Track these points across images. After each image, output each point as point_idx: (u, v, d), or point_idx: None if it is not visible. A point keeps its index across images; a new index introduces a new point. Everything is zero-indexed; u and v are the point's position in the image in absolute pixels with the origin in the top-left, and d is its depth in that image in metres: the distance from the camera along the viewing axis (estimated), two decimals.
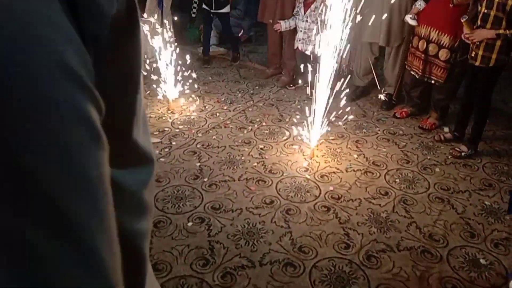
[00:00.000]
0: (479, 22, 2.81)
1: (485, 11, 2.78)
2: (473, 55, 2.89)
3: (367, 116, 3.73)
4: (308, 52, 3.76)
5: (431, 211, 2.56)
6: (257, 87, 4.28)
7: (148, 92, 3.92)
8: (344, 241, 2.30)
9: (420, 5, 3.31)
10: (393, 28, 3.56)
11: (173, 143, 3.22)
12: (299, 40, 3.93)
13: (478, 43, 2.83)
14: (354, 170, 2.94)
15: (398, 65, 3.75)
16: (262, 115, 3.69)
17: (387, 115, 3.75)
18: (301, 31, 3.91)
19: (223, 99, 4.00)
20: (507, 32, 2.68)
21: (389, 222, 2.46)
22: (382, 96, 3.82)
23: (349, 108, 3.80)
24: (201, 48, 4.86)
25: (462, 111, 3.23)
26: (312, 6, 3.81)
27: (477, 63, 2.87)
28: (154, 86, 3.76)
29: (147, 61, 3.87)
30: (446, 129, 3.45)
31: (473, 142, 3.11)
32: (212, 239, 2.29)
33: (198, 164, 2.96)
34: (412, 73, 3.42)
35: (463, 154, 3.09)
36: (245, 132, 3.41)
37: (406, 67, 3.54)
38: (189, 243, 2.25)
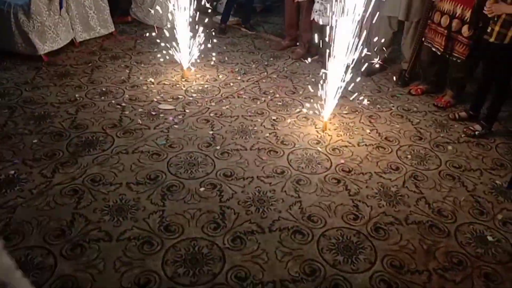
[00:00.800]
0: None
1: None
2: (489, 30, 2.83)
3: (381, 92, 3.70)
4: (323, 23, 3.69)
5: (441, 188, 2.57)
6: (271, 59, 4.25)
7: (163, 59, 3.92)
8: (353, 212, 2.33)
9: None
10: (414, 3, 3.49)
11: (187, 110, 3.23)
12: (316, 12, 3.86)
13: (496, 19, 2.76)
14: (366, 145, 2.94)
15: (414, 41, 3.68)
16: (275, 87, 3.68)
17: (402, 91, 3.72)
18: (317, 2, 3.83)
19: (237, 69, 3.98)
20: None
21: (398, 196, 2.48)
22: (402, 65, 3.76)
23: (364, 83, 3.81)
24: (218, 17, 4.81)
25: (479, 90, 3.19)
26: None
27: (491, 39, 2.81)
28: (170, 52, 3.75)
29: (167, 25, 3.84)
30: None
31: (488, 121, 3.08)
32: (223, 204, 2.33)
33: (211, 132, 2.98)
34: (434, 49, 3.35)
35: (476, 133, 3.07)
36: (258, 103, 3.41)
37: (426, 43, 3.47)
38: (201, 207, 2.30)
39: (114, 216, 2.20)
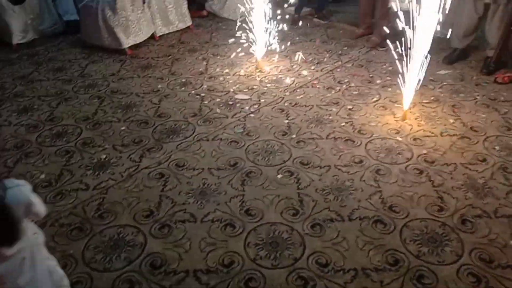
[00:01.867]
0: None
1: None
2: None
3: (465, 80, 3.51)
4: (401, 10, 3.56)
5: None
6: (345, 48, 4.18)
7: (238, 51, 4.00)
8: (438, 204, 2.25)
9: None
10: None
11: (262, 100, 3.28)
12: None
13: None
14: (449, 135, 2.81)
15: (503, 26, 3.44)
16: (350, 76, 3.62)
17: (487, 80, 3.49)
18: None
19: (311, 59, 3.97)
20: None
21: (486, 188, 2.35)
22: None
23: (446, 71, 3.63)
24: (291, 8, 4.82)
25: None
26: None
27: None
28: (245, 44, 3.82)
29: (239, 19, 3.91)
30: None
31: None
32: (301, 191, 2.35)
33: (286, 121, 3.00)
34: None
35: None
36: (333, 92, 3.38)
37: None
38: (279, 194, 2.33)
39: (197, 199, 2.31)
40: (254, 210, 2.23)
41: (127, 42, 4.07)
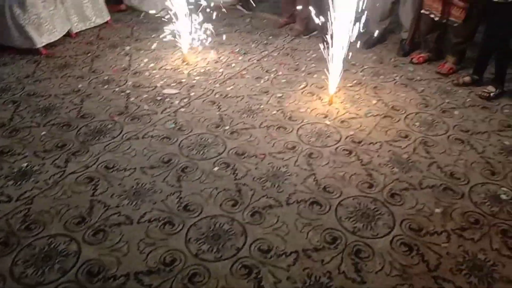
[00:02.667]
0: None
1: None
2: None
3: (384, 63, 3.70)
4: None
5: (451, 152, 2.59)
6: (270, 37, 4.23)
7: (162, 45, 3.89)
8: (367, 181, 2.36)
9: None
10: None
11: (192, 93, 3.23)
12: None
13: None
14: (373, 115, 2.95)
15: (414, 10, 3.67)
16: (277, 65, 3.67)
17: (404, 61, 3.72)
18: None
19: (237, 49, 3.96)
20: None
21: (410, 162, 2.50)
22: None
23: (365, 55, 3.81)
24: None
25: (481, 54, 3.19)
26: None
27: None
28: (169, 37, 3.72)
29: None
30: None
31: (499, 82, 3.09)
32: (238, 182, 2.35)
33: (218, 113, 2.98)
34: (432, 16, 3.35)
35: (492, 94, 3.09)
36: (262, 81, 3.41)
37: (423, 11, 3.46)
38: (217, 186, 2.32)
39: (132, 200, 2.22)
40: (193, 205, 2.19)
41: (40, 41, 3.79)
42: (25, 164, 2.48)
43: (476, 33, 3.48)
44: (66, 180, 2.35)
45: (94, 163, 2.48)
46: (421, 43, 3.76)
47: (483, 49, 3.17)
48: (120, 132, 2.76)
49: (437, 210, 2.17)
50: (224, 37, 4.20)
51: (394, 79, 3.43)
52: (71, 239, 2.00)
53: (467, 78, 3.29)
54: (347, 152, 2.59)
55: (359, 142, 2.68)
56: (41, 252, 1.93)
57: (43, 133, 2.75)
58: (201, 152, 2.58)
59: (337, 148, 2.63)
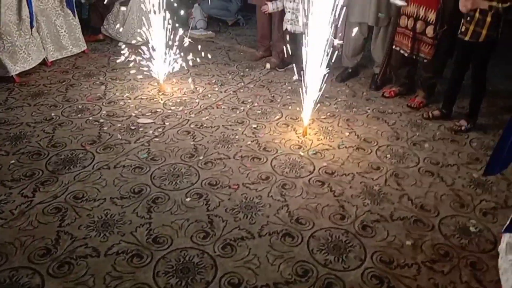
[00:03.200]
0: None
1: None
2: (463, 29, 2.97)
3: (356, 96, 3.79)
4: (295, 32, 3.78)
5: (422, 184, 2.64)
6: (247, 69, 4.30)
7: (138, 75, 3.90)
8: (340, 212, 2.37)
9: None
10: (382, 8, 3.61)
11: (166, 123, 3.22)
12: (288, 21, 3.94)
13: (468, 18, 2.90)
14: (346, 147, 2.99)
15: (385, 46, 3.81)
16: (253, 96, 3.72)
17: (376, 95, 3.82)
18: (289, 11, 3.91)
19: (214, 80, 4.01)
20: (499, 6, 2.73)
21: (382, 194, 2.53)
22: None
23: (339, 88, 3.90)
24: (192, 31, 4.84)
25: (451, 88, 3.31)
26: None
27: (467, 38, 2.94)
28: (145, 67, 3.75)
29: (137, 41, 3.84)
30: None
31: (472, 116, 3.22)
32: (210, 213, 2.33)
33: (193, 143, 2.98)
34: (402, 52, 3.48)
35: (463, 128, 3.19)
36: (238, 112, 3.44)
37: (394, 47, 3.59)
38: (188, 217, 2.28)
39: (100, 231, 2.16)
40: (163, 237, 2.15)
41: (14, 69, 3.75)
42: None
43: (445, 68, 3.63)
44: (33, 211, 2.28)
45: (63, 193, 2.42)
46: (392, 77, 3.88)
47: (451, 84, 3.29)
48: (92, 162, 2.72)
49: (408, 242, 2.18)
50: (201, 68, 4.24)
51: (367, 112, 3.51)
52: (35, 271, 1.92)
53: (436, 112, 3.39)
54: (320, 183, 2.61)
55: (332, 174, 2.70)
56: (1, 286, 1.85)
57: (12, 161, 2.68)
58: (174, 183, 2.55)
59: (310, 179, 2.64)
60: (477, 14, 2.86)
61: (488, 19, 2.83)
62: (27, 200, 2.36)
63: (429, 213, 2.40)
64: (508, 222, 1.86)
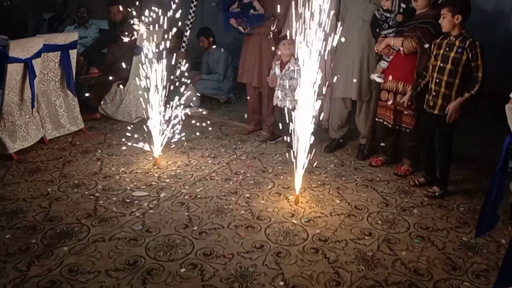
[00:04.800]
0: (435, 75, 3.16)
1: (441, 64, 3.13)
2: (431, 104, 3.22)
3: (345, 166, 3.93)
4: (285, 107, 4.01)
5: (413, 248, 2.68)
6: (239, 142, 4.47)
7: (134, 150, 4.03)
8: (335, 279, 2.38)
9: (384, 64, 3.67)
10: (363, 84, 3.89)
11: (161, 195, 3.29)
12: (278, 98, 4.19)
13: (434, 94, 3.16)
14: (338, 214, 3.06)
15: (369, 119, 4.03)
16: (246, 167, 3.84)
17: (363, 164, 3.96)
18: (278, 89, 4.18)
19: (207, 154, 4.14)
20: (472, 92, 3.03)
21: (375, 259, 2.56)
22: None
23: (327, 158, 4.05)
24: (187, 110, 5.08)
25: (426, 156, 3.48)
26: (286, 67, 4.12)
27: (436, 112, 3.18)
28: (141, 143, 3.89)
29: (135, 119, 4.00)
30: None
31: (442, 183, 3.34)
32: (205, 283, 2.33)
33: (187, 214, 3.03)
34: (385, 123, 3.69)
35: (436, 194, 3.31)
36: (231, 183, 3.53)
37: (377, 119, 3.81)
38: None
39: None
40: None
41: (13, 147, 3.86)
42: None
43: None
44: (27, 285, 2.26)
45: (58, 266, 2.41)
46: (378, 148, 4.06)
47: (427, 152, 3.47)
48: (87, 235, 2.74)
49: None
50: (195, 142, 4.41)
51: (356, 180, 3.62)
52: None
53: (421, 179, 3.52)
54: (314, 250, 2.64)
55: (326, 240, 2.74)
56: None
57: (7, 236, 2.69)
58: (168, 254, 2.57)
59: (304, 246, 2.67)
60: (442, 89, 3.12)
61: (453, 93, 3.10)
62: (21, 274, 2.35)
63: (423, 277, 2.42)
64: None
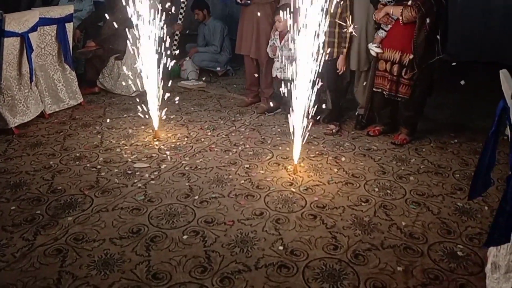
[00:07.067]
0: None
1: None
2: None
3: (343, 135, 3.97)
4: (283, 78, 4.02)
5: (409, 214, 2.75)
6: (237, 115, 4.49)
7: (133, 123, 4.06)
8: (332, 243, 2.46)
9: (382, 33, 3.66)
10: (362, 54, 3.88)
11: (162, 167, 3.34)
12: (277, 69, 4.20)
13: None
14: (335, 182, 3.12)
15: (367, 89, 4.04)
16: (245, 139, 3.88)
17: (361, 133, 4.01)
18: (278, 60, 4.18)
19: (206, 126, 4.18)
20: None
21: (372, 225, 2.63)
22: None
23: (326, 129, 4.08)
24: (183, 81, 5.09)
25: None
26: (286, 37, 4.10)
27: None
28: (140, 116, 3.92)
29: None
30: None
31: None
32: (207, 249, 2.40)
33: (188, 184, 3.09)
34: (383, 92, 3.71)
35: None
36: (230, 154, 3.58)
37: (375, 89, 3.82)
38: (186, 254, 2.35)
39: (100, 270, 2.22)
40: (162, 273, 2.21)
41: (14, 121, 3.89)
42: None
43: (424, 107, 3.84)
44: (34, 253, 2.34)
45: (63, 235, 2.49)
46: (375, 117, 4.09)
47: None
48: (90, 205, 2.80)
49: (399, 268, 2.26)
50: (193, 115, 4.43)
51: (353, 150, 3.67)
52: None
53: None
54: (312, 216, 2.71)
55: (323, 207, 2.81)
56: None
57: (13, 208, 2.76)
58: (171, 222, 2.64)
59: (302, 213, 2.74)
60: None
61: None
62: (28, 243, 2.42)
63: (418, 240, 2.50)
64: (487, 237, 1.96)
